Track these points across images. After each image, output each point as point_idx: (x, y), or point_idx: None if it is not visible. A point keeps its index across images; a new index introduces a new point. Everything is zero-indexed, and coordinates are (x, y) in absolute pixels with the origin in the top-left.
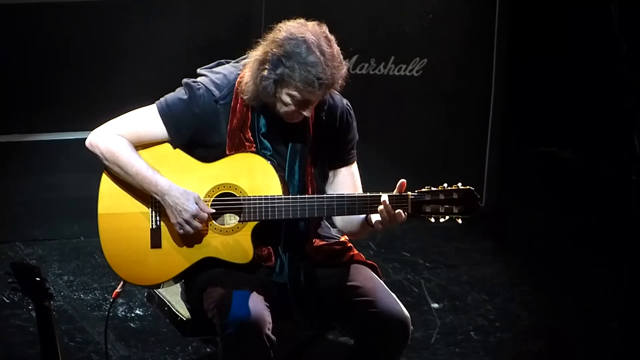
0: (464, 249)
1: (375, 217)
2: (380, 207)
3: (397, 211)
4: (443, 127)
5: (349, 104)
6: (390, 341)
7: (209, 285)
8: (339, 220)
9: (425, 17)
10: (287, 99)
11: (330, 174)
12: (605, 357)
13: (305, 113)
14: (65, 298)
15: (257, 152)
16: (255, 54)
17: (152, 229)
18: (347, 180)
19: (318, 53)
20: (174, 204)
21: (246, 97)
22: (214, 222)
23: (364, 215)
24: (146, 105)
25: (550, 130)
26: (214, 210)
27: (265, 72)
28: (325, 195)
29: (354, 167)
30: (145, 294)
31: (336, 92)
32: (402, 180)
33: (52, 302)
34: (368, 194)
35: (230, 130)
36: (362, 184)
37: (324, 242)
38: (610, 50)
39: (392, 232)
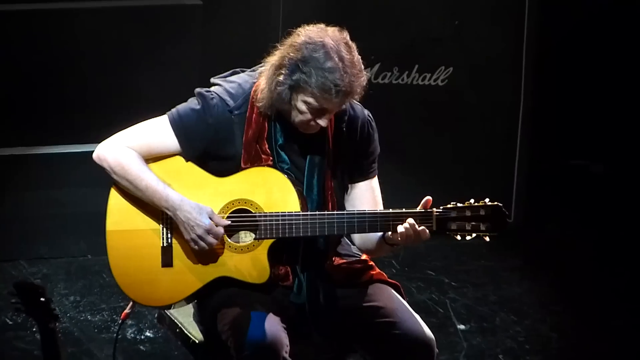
0: (492, 267)
1: (396, 235)
2: (405, 225)
3: (421, 228)
4: (469, 139)
5: (370, 115)
6: None
7: (224, 306)
8: (357, 237)
9: (451, 25)
10: (303, 107)
11: (349, 187)
12: None
13: (321, 122)
14: (71, 319)
15: (274, 166)
16: (271, 60)
17: (163, 247)
18: (366, 195)
19: (337, 59)
20: (187, 219)
21: (261, 104)
22: (228, 239)
23: (383, 233)
24: (157, 116)
25: (581, 143)
26: (229, 222)
27: (281, 77)
28: (345, 212)
29: (375, 182)
30: (156, 315)
31: (357, 103)
32: (428, 197)
33: (57, 324)
34: (390, 210)
35: (245, 142)
36: (382, 199)
37: (344, 261)
38: None
39: (416, 250)
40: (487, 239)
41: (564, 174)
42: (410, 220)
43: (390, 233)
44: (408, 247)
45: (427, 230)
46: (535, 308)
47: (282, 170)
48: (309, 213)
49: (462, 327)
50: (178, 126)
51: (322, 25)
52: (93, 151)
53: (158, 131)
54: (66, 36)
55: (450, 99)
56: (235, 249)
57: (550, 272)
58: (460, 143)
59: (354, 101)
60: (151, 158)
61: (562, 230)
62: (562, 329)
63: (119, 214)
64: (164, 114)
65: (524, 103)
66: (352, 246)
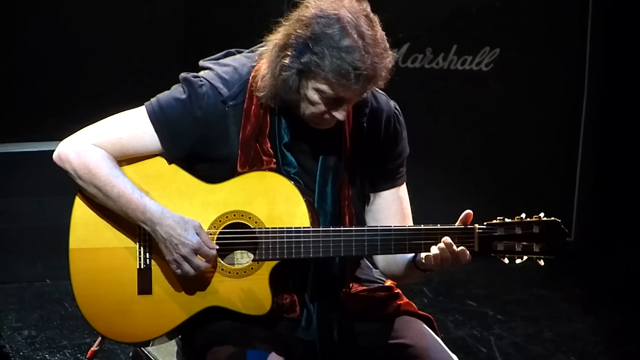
0: (547, 298)
1: (429, 257)
2: (440, 245)
3: (460, 249)
4: (520, 138)
5: (397, 107)
6: None
7: (214, 343)
8: (380, 259)
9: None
10: (315, 96)
11: (372, 197)
12: None
13: (338, 116)
14: (25, 359)
15: (277, 170)
16: (275, 38)
17: (139, 270)
18: (392, 207)
19: (356, 36)
20: (169, 235)
21: (262, 93)
22: (221, 261)
23: (412, 255)
24: (133, 107)
25: None
26: (217, 247)
27: (287, 60)
28: (365, 228)
29: (403, 190)
30: (131, 353)
31: (381, 92)
32: (468, 210)
33: None
34: (422, 226)
35: (242, 140)
36: (411, 212)
37: (364, 288)
38: None
39: (453, 275)
40: (542, 262)
41: (637, 183)
42: (447, 239)
43: (422, 255)
44: (443, 272)
45: (468, 252)
46: (601, 349)
47: (288, 175)
48: (320, 229)
49: None
50: (159, 120)
51: None
52: (53, 150)
53: (134, 126)
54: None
55: (496, 88)
56: (230, 272)
57: (620, 305)
58: (509, 143)
59: (378, 90)
60: (126, 159)
61: (635, 253)
62: None
63: (85, 229)
64: (142, 104)
65: (587, 95)
66: (373, 270)
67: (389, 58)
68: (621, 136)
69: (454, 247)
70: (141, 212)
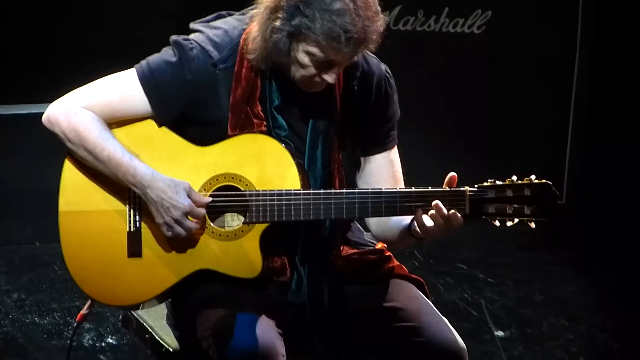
0: (538, 261)
1: (422, 225)
2: (432, 211)
3: (451, 212)
4: (511, 101)
5: (388, 70)
6: None
7: (204, 306)
8: (373, 223)
9: None
10: (305, 59)
11: (363, 161)
12: None
13: (328, 78)
14: (14, 322)
15: (268, 132)
16: (266, 1)
17: (129, 232)
18: (384, 170)
19: None
20: (159, 198)
21: (252, 56)
22: (211, 224)
23: (407, 223)
24: (123, 69)
25: None
26: (210, 199)
27: (278, 23)
28: (356, 190)
29: (394, 153)
30: (120, 317)
31: (372, 55)
32: (452, 173)
33: None
34: (413, 188)
35: (233, 103)
36: (403, 175)
37: (355, 251)
38: None
39: (444, 238)
40: (533, 225)
41: (629, 145)
42: (437, 203)
43: (416, 224)
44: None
45: (459, 215)
46: (593, 311)
47: (278, 138)
48: (311, 191)
49: (500, 333)
50: (149, 83)
51: None
52: (42, 113)
53: (124, 89)
54: None
55: (488, 51)
56: (220, 235)
57: (611, 267)
58: (500, 106)
59: (369, 53)
60: (116, 122)
61: (626, 215)
62: (626, 337)
63: (75, 192)
64: (132, 67)
65: (579, 57)
66: (364, 233)
67: (380, 22)
68: (613, 98)
69: (444, 210)
70: (131, 175)
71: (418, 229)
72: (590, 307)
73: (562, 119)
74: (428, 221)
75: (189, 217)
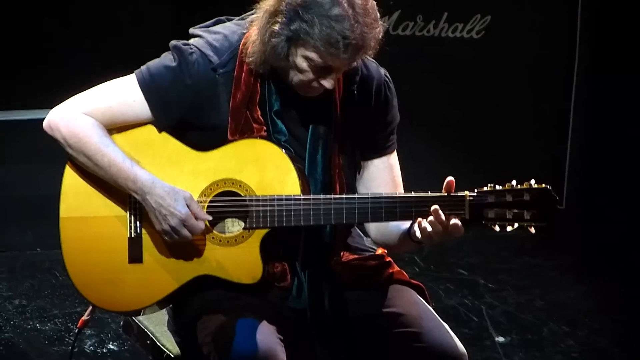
0: (538, 266)
1: (422, 229)
2: (430, 218)
3: (452, 223)
4: (510, 105)
5: (388, 75)
6: None
7: (205, 312)
8: (372, 228)
9: None
10: (303, 64)
11: (362, 165)
12: None
13: (326, 84)
14: (16, 328)
15: (268, 137)
16: (265, 5)
17: (130, 238)
18: (383, 175)
19: (346, 5)
20: (158, 205)
21: (251, 59)
22: (212, 230)
23: (406, 227)
24: (123, 75)
25: None
26: (210, 217)
27: (277, 27)
28: (356, 196)
29: (393, 158)
30: (121, 323)
31: (372, 60)
32: (450, 178)
33: None
34: (413, 194)
35: (233, 108)
36: (402, 180)
37: (355, 256)
38: None
39: (444, 243)
40: (533, 230)
41: (631, 149)
42: (435, 207)
43: (414, 227)
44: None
45: (458, 221)
46: (593, 317)
47: (278, 143)
48: (311, 197)
49: (501, 339)
50: (149, 88)
51: None
52: (43, 119)
53: (124, 94)
54: None
55: (487, 56)
56: (220, 241)
57: (612, 273)
58: (499, 111)
59: (368, 58)
60: (116, 128)
61: (628, 219)
62: (627, 343)
63: (76, 198)
64: (132, 72)
65: (579, 62)
66: (364, 238)
67: (379, 28)
68: (613, 102)
69: (442, 216)
70: (132, 181)
71: (417, 234)
72: (591, 313)
73: (561, 124)
74: (427, 226)
75: (186, 226)
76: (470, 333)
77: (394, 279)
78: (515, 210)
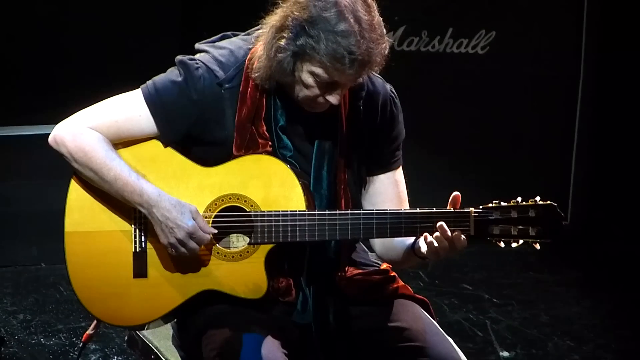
0: (543, 281)
1: (424, 244)
2: (436, 233)
3: (455, 234)
4: (516, 121)
5: (393, 90)
6: None
7: (210, 326)
8: (377, 243)
9: None
10: (309, 79)
11: (367, 181)
12: None
13: (331, 100)
14: (20, 343)
15: (273, 153)
16: (271, 20)
17: (135, 253)
18: (389, 191)
19: (352, 20)
20: (165, 218)
21: (257, 74)
22: (217, 244)
23: (411, 242)
24: (129, 90)
25: None
26: (215, 231)
27: (283, 42)
28: (361, 211)
29: (399, 174)
30: (126, 337)
31: (377, 76)
32: (456, 193)
33: (1, 349)
34: (418, 210)
35: (238, 123)
36: (408, 195)
37: (360, 271)
38: None
39: (449, 258)
40: (538, 246)
41: (633, 166)
42: (441, 224)
43: (419, 243)
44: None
45: (463, 236)
46: (598, 332)
47: (283, 158)
48: (316, 212)
49: (505, 354)
50: (155, 103)
51: None
52: (48, 134)
53: (130, 109)
54: None
55: (492, 71)
56: (225, 256)
57: (616, 288)
58: (505, 126)
59: (374, 73)
60: (121, 142)
61: (633, 235)
62: (631, 358)
63: (81, 212)
64: (138, 87)
65: (583, 77)
66: (369, 253)
67: (385, 44)
68: (618, 118)
69: (449, 232)
70: (138, 194)
71: (422, 249)
72: (596, 328)
73: (566, 140)
74: (433, 241)
75: (192, 239)
76: (475, 348)
77: (399, 294)
78: (521, 227)
